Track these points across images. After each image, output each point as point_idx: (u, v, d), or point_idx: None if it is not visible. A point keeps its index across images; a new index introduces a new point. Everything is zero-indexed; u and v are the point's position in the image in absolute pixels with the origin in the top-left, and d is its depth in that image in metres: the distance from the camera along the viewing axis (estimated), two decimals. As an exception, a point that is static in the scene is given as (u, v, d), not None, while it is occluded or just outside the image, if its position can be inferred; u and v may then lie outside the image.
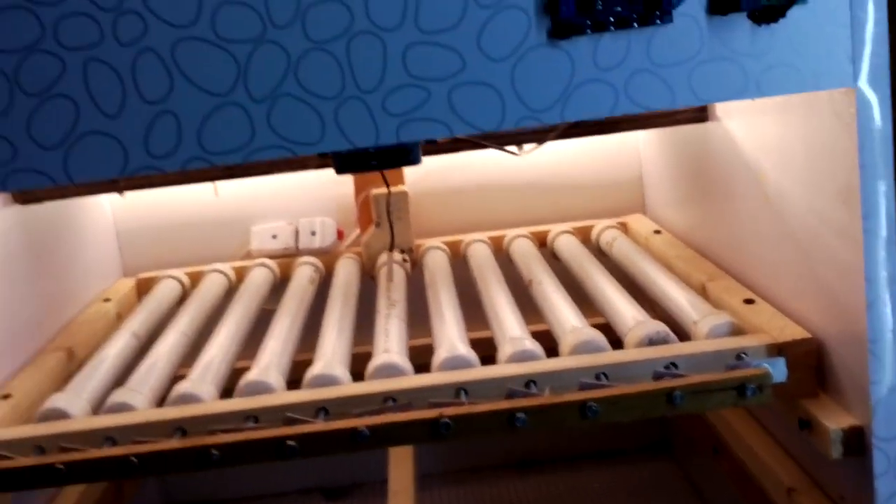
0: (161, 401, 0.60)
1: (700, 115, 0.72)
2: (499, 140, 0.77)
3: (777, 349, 0.54)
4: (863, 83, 0.47)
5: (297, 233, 0.88)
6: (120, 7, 0.44)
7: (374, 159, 0.53)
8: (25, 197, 0.74)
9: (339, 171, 0.55)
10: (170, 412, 0.55)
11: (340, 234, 0.89)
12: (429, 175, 0.90)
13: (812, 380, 0.55)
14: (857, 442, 0.50)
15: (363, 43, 0.45)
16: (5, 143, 0.45)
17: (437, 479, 0.94)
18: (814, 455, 0.58)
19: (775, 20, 0.46)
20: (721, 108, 0.69)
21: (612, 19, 0.45)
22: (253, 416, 0.54)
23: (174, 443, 0.51)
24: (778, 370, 0.50)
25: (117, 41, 0.44)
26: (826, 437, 0.51)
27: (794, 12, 0.46)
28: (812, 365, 0.55)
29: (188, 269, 0.87)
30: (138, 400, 0.58)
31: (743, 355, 0.53)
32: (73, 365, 0.70)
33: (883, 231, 0.48)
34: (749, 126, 0.63)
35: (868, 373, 0.49)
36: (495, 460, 0.96)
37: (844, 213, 0.50)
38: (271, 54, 0.44)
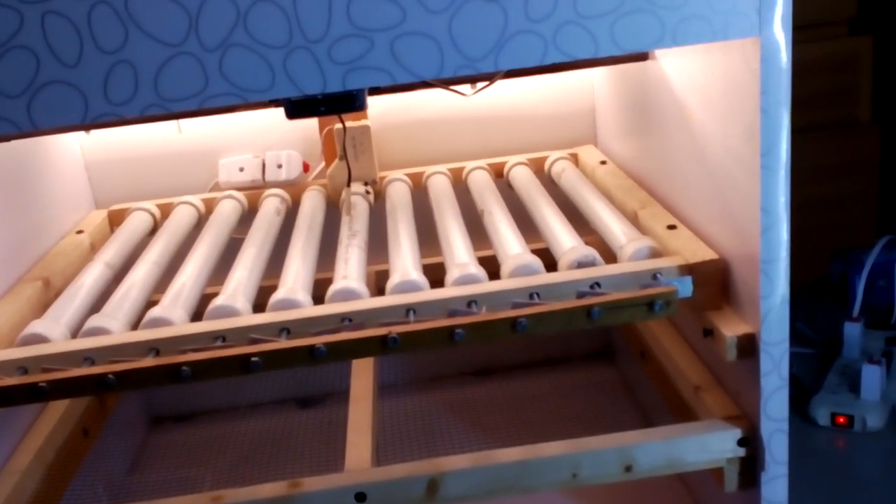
0: (135, 326, 0.62)
1: (641, 54, 0.73)
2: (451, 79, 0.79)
3: (688, 269, 0.59)
4: (776, 28, 0.50)
5: (263, 165, 0.89)
6: (73, -39, 0.45)
7: (323, 105, 0.55)
8: (-5, 136, 0.76)
9: (290, 116, 0.57)
10: (143, 334, 0.59)
11: (306, 167, 0.90)
12: (392, 109, 0.90)
13: (718, 295, 0.60)
14: (749, 346, 0.57)
15: (308, -6, 0.46)
16: (-30, 92, 0.47)
17: (401, 388, 0.99)
18: (716, 358, 0.64)
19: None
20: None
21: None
22: (221, 337, 0.58)
23: (148, 361, 0.55)
24: (684, 287, 0.56)
25: (72, -6, 0.45)
26: (724, 343, 0.57)
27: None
28: (718, 282, 0.60)
29: (158, 200, 0.88)
30: (114, 325, 0.61)
31: (658, 275, 0.58)
32: (49, 293, 0.72)
33: (780, 165, 0.53)
34: (679, 66, 0.66)
35: (759, 288, 0.54)
36: (455, 370, 1.01)
37: (748, 149, 0.54)
38: (220, 5, 0.46)
